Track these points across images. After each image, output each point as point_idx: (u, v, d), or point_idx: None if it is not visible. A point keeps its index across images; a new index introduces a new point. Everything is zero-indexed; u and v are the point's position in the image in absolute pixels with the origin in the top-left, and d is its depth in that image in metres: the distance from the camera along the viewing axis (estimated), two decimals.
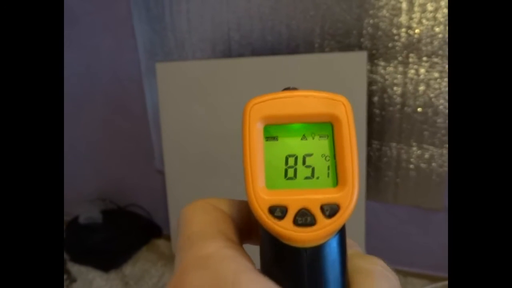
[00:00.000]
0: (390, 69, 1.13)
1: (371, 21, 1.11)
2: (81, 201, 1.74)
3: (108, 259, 1.56)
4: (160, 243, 1.70)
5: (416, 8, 1.06)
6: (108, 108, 1.64)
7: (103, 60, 1.56)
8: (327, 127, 0.20)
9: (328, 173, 0.20)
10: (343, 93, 0.20)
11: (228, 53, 1.31)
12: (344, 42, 1.15)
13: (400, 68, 1.12)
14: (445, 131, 1.13)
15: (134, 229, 1.68)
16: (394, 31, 1.10)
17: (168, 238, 1.65)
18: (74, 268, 1.55)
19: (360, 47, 1.13)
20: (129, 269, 1.56)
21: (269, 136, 0.20)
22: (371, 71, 1.14)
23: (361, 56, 1.02)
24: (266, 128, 0.20)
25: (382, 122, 1.18)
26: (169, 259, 1.60)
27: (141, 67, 1.47)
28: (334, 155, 0.20)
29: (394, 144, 1.19)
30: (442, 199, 1.19)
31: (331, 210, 0.18)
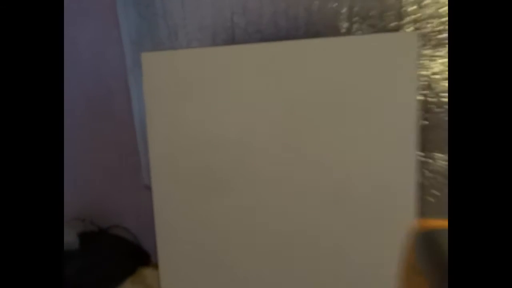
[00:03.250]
0: (439, 60, 0.89)
1: None
2: None
3: None
4: (148, 273, 1.53)
5: None
6: (88, 112, 1.44)
7: (82, 53, 1.35)
8: None
9: None
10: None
11: (231, 44, 1.09)
12: (378, 26, 0.92)
13: None
14: None
15: (118, 256, 1.51)
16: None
17: (157, 266, 1.42)
18: None
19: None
20: None
21: None
22: None
23: (411, 38, 0.79)
24: None
25: (427, 128, 0.94)
26: None
27: (126, 63, 1.25)
28: None
29: (440, 155, 0.95)
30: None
31: None
